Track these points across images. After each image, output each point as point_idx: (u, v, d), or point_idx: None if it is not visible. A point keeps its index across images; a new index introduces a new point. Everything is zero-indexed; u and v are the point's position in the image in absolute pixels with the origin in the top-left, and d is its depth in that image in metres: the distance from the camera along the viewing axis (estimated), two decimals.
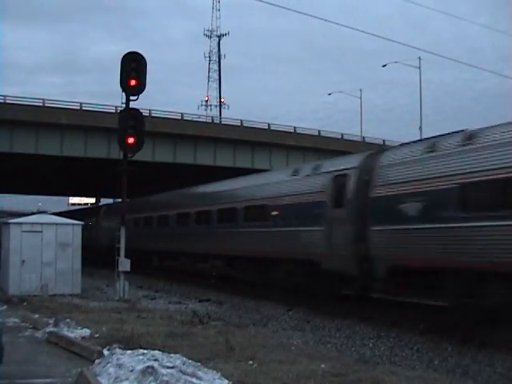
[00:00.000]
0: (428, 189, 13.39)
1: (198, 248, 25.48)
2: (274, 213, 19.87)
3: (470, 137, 13.24)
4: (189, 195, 29.00)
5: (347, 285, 17.22)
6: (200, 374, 7.43)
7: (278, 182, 20.74)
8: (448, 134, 14.35)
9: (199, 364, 8.00)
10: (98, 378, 7.43)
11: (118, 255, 20.06)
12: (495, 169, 11.86)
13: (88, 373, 7.56)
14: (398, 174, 14.64)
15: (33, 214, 33.70)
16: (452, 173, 12.94)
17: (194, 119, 45.51)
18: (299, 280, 18.58)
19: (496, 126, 13.09)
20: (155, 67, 70.99)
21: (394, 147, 17.60)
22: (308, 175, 18.84)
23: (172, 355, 7.89)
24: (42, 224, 20.02)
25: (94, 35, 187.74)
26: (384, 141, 46.72)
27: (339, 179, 16.77)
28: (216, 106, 78.89)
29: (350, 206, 16.14)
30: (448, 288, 13.12)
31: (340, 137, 46.80)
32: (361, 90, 57.82)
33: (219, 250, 23.50)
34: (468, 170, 12.58)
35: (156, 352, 7.91)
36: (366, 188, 15.55)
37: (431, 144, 14.29)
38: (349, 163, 17.14)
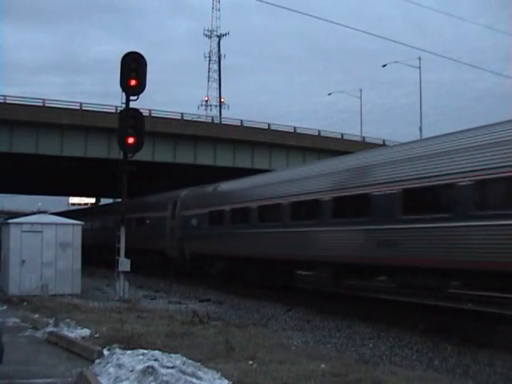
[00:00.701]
0: (200, 212, 25.63)
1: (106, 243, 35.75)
2: (148, 221, 33.38)
3: (215, 187, 26.18)
4: (109, 208, 43.27)
5: (181, 265, 28.10)
6: (200, 373, 7.44)
7: (149, 202, 34.20)
8: (211, 184, 26.89)
9: (199, 364, 8.01)
10: (98, 377, 7.44)
11: (118, 255, 20.07)
12: (220, 204, 23.77)
13: (88, 373, 7.57)
14: (191, 203, 27.22)
15: (33, 213, 33.61)
16: (207, 205, 25.02)
17: (194, 119, 45.45)
18: (159, 263, 30.59)
19: (226, 181, 25.97)
20: (155, 67, 71.11)
21: (200, 186, 28.33)
22: (164, 199, 31.07)
23: (172, 355, 7.90)
24: (42, 224, 20.00)
25: (94, 35, 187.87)
26: (384, 141, 46.68)
27: (174, 203, 28.93)
28: (216, 106, 78.89)
29: (177, 219, 28.12)
30: (208, 265, 25.00)
31: (340, 137, 46.75)
32: (361, 90, 58.03)
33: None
34: (212, 204, 24.69)
35: (156, 352, 7.91)
36: (182, 209, 27.83)
37: (203, 187, 27.38)
38: (179, 194, 29.11)
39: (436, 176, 12.85)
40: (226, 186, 25.50)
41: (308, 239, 17.36)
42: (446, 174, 12.60)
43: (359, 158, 16.82)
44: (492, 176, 11.62)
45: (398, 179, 14.05)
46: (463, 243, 12.04)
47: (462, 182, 12.12)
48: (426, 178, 13.13)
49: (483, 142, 12.09)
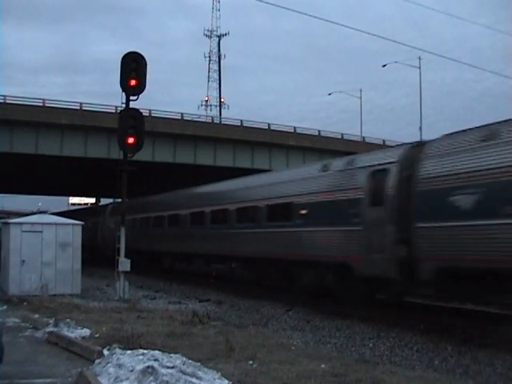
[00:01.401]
0: (134, 217, 32.65)
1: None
2: (90, 225, 40.28)
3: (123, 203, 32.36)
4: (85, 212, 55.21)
5: (104, 254, 35.37)
6: (200, 373, 7.44)
7: (94, 211, 44.87)
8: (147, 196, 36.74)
9: (199, 364, 8.01)
10: (98, 378, 7.44)
11: (118, 255, 20.08)
12: (144, 212, 34.34)
13: (88, 373, 7.57)
14: (109, 213, 38.18)
15: (33, 213, 33.65)
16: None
17: (194, 119, 45.39)
18: (95, 253, 38.58)
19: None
20: (155, 67, 70.94)
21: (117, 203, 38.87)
22: (98, 209, 42.94)
23: (172, 355, 7.90)
24: (42, 224, 19.98)
25: (94, 35, 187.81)
26: (384, 141, 46.66)
27: (103, 213, 40.38)
28: (216, 106, 78.94)
29: (103, 224, 39.36)
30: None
31: (340, 137, 46.75)
32: (361, 90, 58.05)
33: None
34: (144, 212, 33.92)
35: (156, 352, 7.91)
36: (106, 217, 39.16)
37: (139, 200, 35.66)
38: (107, 207, 41.80)
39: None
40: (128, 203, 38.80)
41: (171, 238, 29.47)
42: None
43: (173, 194, 31.37)
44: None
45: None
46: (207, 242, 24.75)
47: (206, 210, 25.45)
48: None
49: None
